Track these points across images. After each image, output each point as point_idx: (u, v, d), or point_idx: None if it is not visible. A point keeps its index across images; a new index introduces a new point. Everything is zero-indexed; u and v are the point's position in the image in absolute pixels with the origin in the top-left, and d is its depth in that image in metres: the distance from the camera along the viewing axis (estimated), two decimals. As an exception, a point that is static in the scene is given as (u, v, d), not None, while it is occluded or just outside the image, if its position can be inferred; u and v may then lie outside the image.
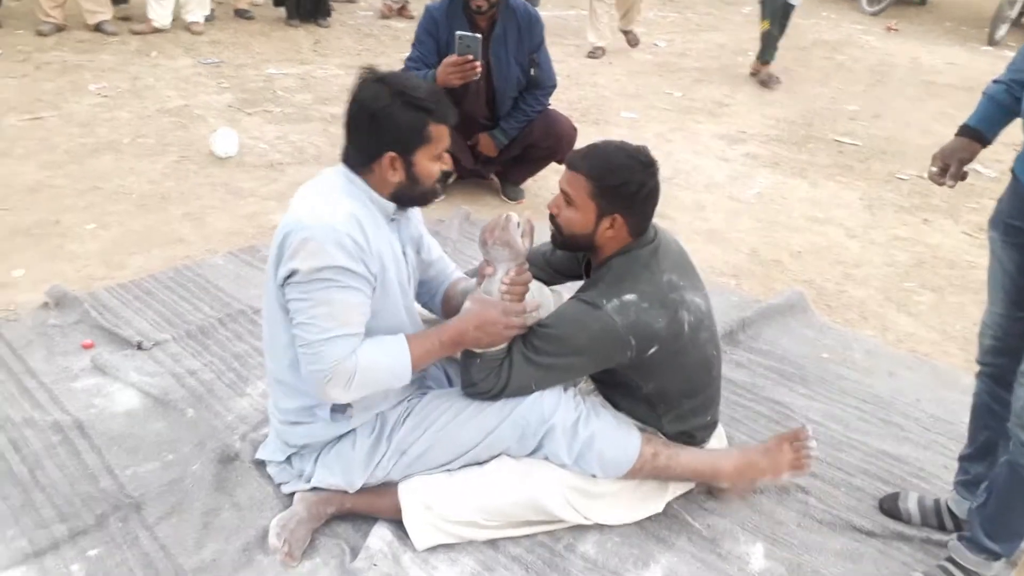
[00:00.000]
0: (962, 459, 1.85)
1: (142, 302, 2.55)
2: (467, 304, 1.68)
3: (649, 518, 1.83)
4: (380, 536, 1.71)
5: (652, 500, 1.84)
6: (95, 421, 2.01)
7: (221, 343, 2.37)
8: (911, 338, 2.68)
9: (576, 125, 4.44)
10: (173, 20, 5.92)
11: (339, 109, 4.67)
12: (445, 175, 1.67)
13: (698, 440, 1.90)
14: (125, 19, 6.06)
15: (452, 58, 2.96)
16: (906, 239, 3.43)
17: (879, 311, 2.84)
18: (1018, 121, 1.65)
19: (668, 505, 1.86)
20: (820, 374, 2.41)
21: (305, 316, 1.54)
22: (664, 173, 3.95)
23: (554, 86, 3.43)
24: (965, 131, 1.73)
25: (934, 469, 2.05)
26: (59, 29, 5.72)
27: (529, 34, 3.26)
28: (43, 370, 2.20)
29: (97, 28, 5.79)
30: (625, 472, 1.76)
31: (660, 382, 1.77)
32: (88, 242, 2.93)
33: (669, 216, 3.54)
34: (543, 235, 1.81)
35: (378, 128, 1.57)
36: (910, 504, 1.89)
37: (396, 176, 1.61)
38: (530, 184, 3.69)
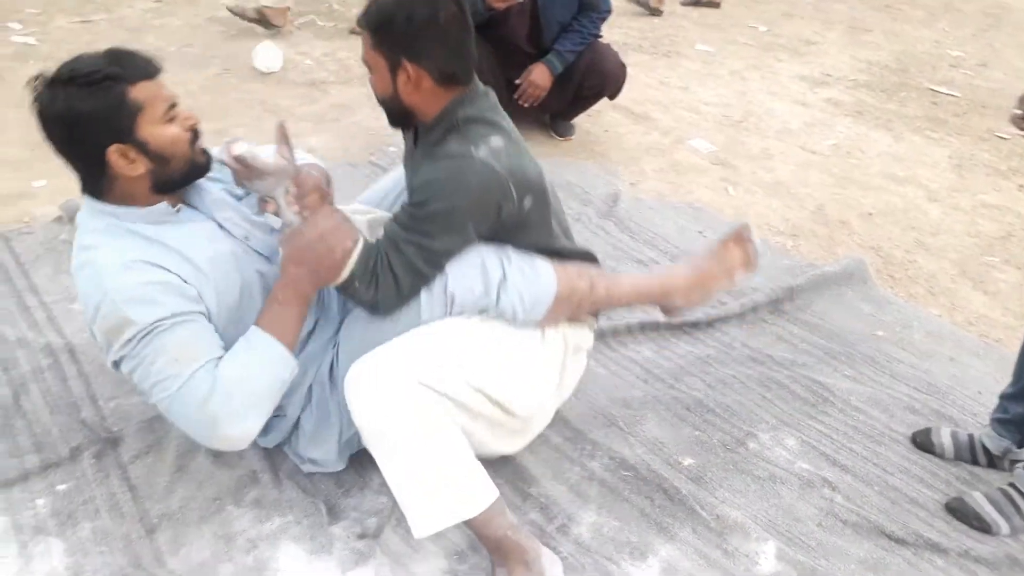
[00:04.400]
0: (1003, 397, 1.76)
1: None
2: (280, 252, 1.45)
3: (655, 503, 1.67)
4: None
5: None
6: (88, 346, 1.94)
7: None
8: (983, 320, 2.38)
9: (643, 57, 4.14)
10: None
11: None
12: (195, 133, 1.40)
13: None
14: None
15: None
16: (996, 207, 3.07)
17: (951, 287, 2.54)
18: None
19: (676, 490, 1.69)
20: (871, 354, 2.17)
21: (150, 379, 1.34)
22: (734, 116, 3.70)
23: (609, 11, 3.13)
24: None
25: (987, 474, 1.82)
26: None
27: None
28: (45, 288, 2.15)
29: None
30: (548, 306, 1.51)
31: (525, 243, 1.55)
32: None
33: (731, 164, 3.26)
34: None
35: (78, 130, 1.30)
36: (943, 438, 1.83)
37: (137, 167, 1.34)
38: (582, 120, 3.44)
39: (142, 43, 3.86)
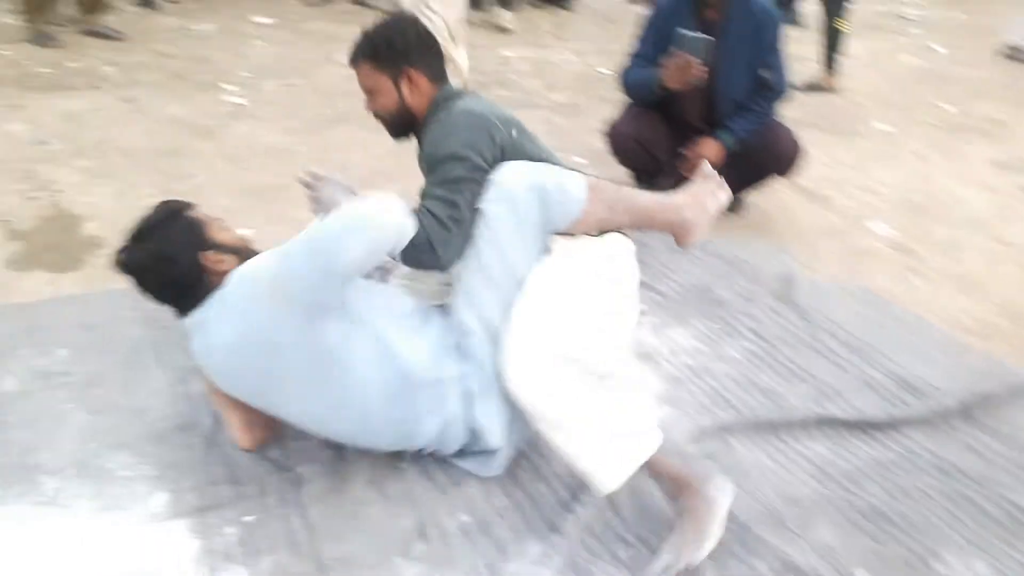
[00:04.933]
0: None
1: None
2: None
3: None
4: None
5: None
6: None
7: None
8: None
9: (818, 134, 4.05)
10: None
11: (566, 98, 4.62)
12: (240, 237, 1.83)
13: None
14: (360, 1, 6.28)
15: (673, 59, 2.76)
16: None
17: None
18: None
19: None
20: (1079, 477, 1.96)
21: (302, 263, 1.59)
22: (917, 201, 3.53)
23: (784, 91, 3.08)
24: None
25: None
26: (326, 1, 6.19)
27: (763, 34, 2.95)
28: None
29: (360, 2, 6.19)
30: (585, 197, 1.74)
31: None
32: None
33: (913, 251, 3.10)
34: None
35: (171, 254, 1.67)
36: None
37: (226, 263, 1.70)
38: (754, 196, 3.38)
39: (334, 108, 4.19)
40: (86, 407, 1.99)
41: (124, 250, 1.69)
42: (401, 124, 1.94)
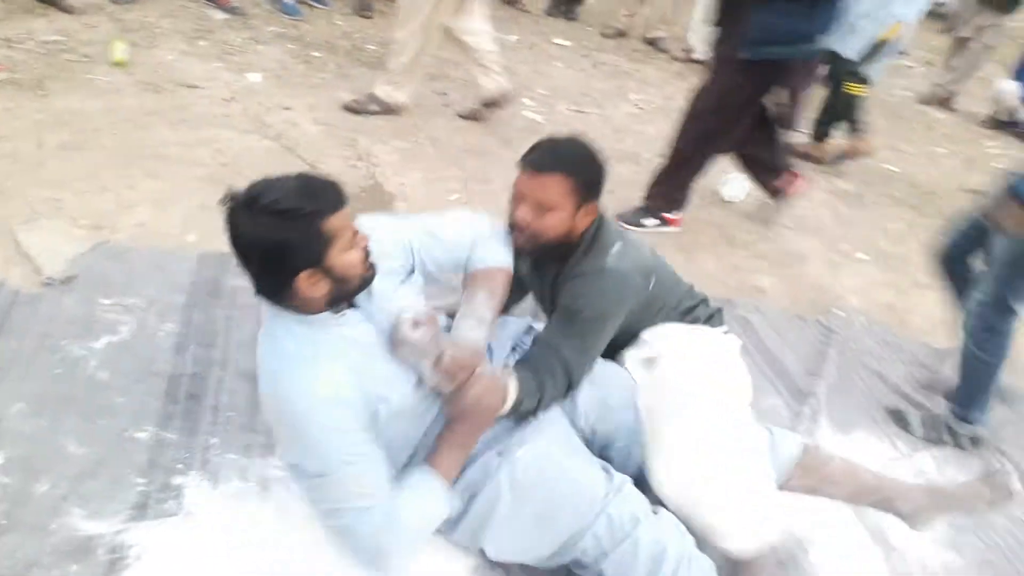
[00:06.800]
0: None
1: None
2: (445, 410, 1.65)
3: None
4: None
5: None
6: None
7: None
8: None
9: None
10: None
11: (852, 187, 4.46)
12: (366, 251, 1.51)
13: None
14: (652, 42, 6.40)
15: None
16: None
17: None
18: None
19: None
20: None
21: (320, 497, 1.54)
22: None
23: None
24: None
25: None
26: (620, 35, 6.38)
27: None
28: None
29: (651, 42, 6.33)
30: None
31: (656, 311, 1.88)
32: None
33: None
34: None
35: (272, 255, 1.39)
36: None
37: (320, 288, 1.46)
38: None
39: (622, 143, 4.31)
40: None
41: (242, 208, 1.38)
42: (551, 248, 1.78)
